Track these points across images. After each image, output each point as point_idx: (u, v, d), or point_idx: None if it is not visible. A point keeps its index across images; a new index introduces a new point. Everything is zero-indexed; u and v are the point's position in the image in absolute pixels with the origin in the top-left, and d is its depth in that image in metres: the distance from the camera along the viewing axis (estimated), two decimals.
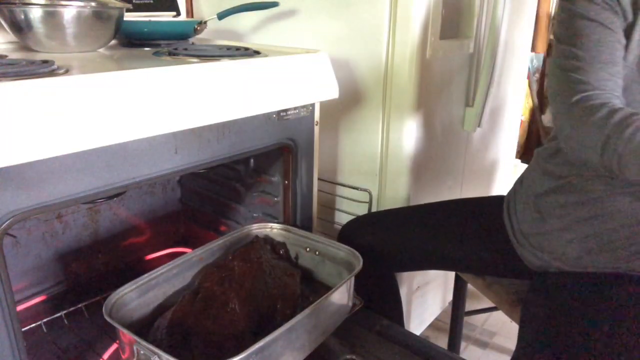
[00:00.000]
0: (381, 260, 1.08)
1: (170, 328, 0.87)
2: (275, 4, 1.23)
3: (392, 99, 1.22)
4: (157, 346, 0.74)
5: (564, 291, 0.83)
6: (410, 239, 1.07)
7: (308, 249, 1.09)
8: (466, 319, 1.37)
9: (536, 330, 0.80)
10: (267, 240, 1.10)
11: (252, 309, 0.90)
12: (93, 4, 0.92)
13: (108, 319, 0.80)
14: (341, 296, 0.94)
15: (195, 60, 0.89)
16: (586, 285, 0.82)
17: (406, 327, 1.20)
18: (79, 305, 1.14)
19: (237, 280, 0.93)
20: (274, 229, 1.12)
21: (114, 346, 1.05)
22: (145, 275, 0.93)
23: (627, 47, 0.75)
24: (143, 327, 0.91)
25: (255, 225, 1.12)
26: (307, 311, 0.83)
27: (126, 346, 0.79)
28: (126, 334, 0.77)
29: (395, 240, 1.07)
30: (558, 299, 0.83)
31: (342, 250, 1.03)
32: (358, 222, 1.18)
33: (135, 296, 0.91)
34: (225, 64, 0.89)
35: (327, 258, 1.06)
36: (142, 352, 0.75)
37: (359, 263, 0.95)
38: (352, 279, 0.95)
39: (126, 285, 0.90)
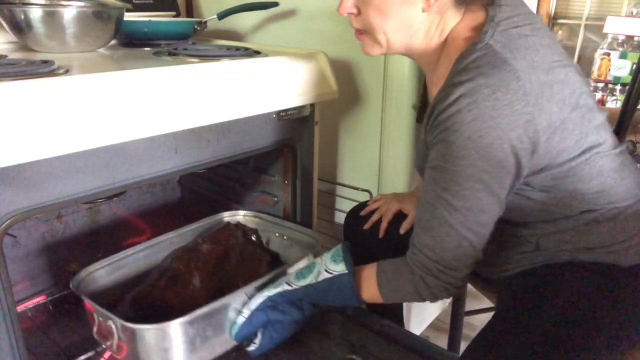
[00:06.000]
0: (385, 243, 1.07)
1: (135, 301, 0.95)
2: (275, 4, 1.23)
3: (391, 99, 1.21)
4: (123, 318, 0.81)
5: (516, 286, 0.85)
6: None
7: (277, 234, 1.15)
8: (466, 319, 1.37)
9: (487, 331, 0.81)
10: (240, 226, 1.16)
11: (214, 286, 0.97)
12: (93, 4, 0.92)
13: (75, 290, 0.88)
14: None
15: (195, 60, 0.89)
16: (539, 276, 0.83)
17: (406, 327, 1.20)
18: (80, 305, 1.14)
19: (202, 260, 1.00)
20: (246, 216, 1.20)
21: None
22: (116, 254, 1.00)
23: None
24: (114, 302, 0.97)
25: (227, 213, 1.20)
26: (254, 283, 0.90)
27: (90, 315, 0.87)
28: (88, 304, 0.85)
29: (399, 223, 1.06)
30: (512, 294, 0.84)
31: (307, 235, 1.10)
32: (364, 207, 1.17)
33: (105, 273, 0.98)
34: (225, 64, 0.89)
35: (295, 242, 1.12)
36: (101, 318, 0.83)
37: (318, 244, 1.05)
38: (311, 258, 1.00)
39: (97, 263, 0.97)
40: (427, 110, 0.77)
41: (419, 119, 1.04)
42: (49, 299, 1.15)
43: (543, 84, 0.69)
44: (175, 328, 0.80)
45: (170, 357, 0.82)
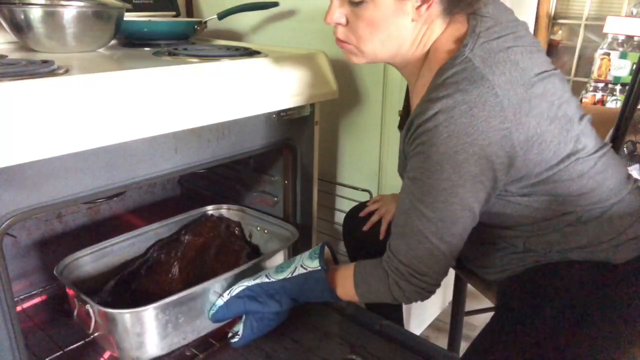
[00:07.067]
0: (384, 244, 1.08)
1: (116, 288, 1.00)
2: (275, 4, 1.23)
3: (392, 99, 1.21)
4: (103, 303, 0.87)
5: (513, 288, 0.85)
6: None
7: (259, 228, 1.21)
8: (466, 319, 1.36)
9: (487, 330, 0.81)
10: (223, 219, 1.20)
11: (192, 275, 1.02)
12: (93, 3, 0.92)
13: (58, 276, 0.93)
14: (271, 265, 1.01)
15: (195, 60, 0.89)
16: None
17: (406, 327, 1.20)
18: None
19: (182, 251, 1.03)
20: (230, 210, 1.26)
21: None
22: (101, 242, 1.05)
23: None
24: (97, 289, 1.01)
25: (210, 207, 1.24)
26: (226, 274, 0.94)
27: (71, 299, 0.91)
28: (70, 289, 0.90)
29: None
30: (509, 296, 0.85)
31: (286, 229, 1.14)
32: (362, 208, 1.17)
33: (90, 260, 1.03)
34: (225, 64, 0.89)
35: (275, 236, 1.17)
36: (80, 303, 0.88)
37: (294, 237, 1.09)
38: (286, 250, 1.08)
39: (82, 250, 1.01)
40: (407, 119, 0.77)
41: (400, 126, 1.05)
42: (48, 297, 1.15)
43: (522, 99, 0.69)
44: (148, 313, 0.85)
45: (144, 340, 0.86)
